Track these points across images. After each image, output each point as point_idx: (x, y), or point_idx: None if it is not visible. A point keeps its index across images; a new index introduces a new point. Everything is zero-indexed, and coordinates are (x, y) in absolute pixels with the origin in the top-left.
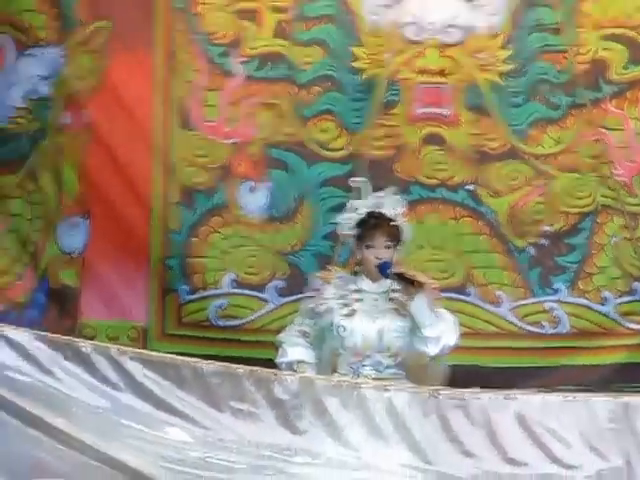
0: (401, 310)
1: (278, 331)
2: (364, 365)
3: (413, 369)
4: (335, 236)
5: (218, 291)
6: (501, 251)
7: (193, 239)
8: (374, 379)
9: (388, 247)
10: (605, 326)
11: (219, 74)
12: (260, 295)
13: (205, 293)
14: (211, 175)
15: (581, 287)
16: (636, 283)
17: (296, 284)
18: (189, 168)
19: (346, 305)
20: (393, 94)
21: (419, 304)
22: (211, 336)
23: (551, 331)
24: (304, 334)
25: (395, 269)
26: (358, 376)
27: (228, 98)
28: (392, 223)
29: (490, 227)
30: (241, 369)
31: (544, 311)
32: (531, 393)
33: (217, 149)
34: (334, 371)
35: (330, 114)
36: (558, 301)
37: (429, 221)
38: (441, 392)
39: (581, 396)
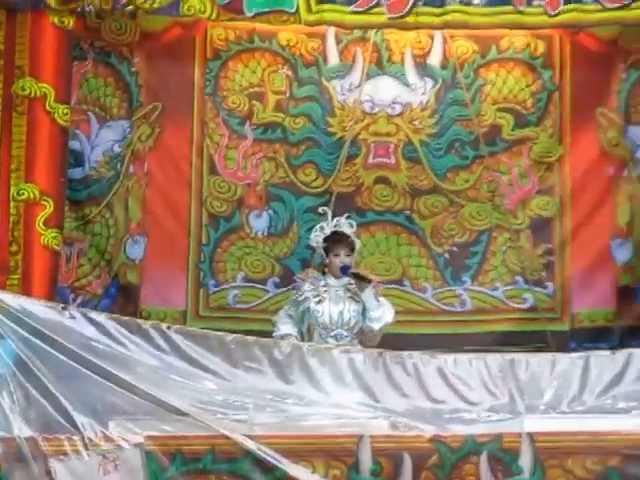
0: (355, 298)
1: (275, 312)
2: (330, 336)
3: (363, 338)
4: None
5: (234, 284)
6: (427, 256)
7: (218, 249)
8: (337, 346)
9: (348, 255)
10: (496, 305)
11: (236, 137)
12: (263, 287)
13: (226, 286)
14: (230, 206)
15: (480, 279)
16: (517, 277)
17: (287, 280)
18: (215, 201)
19: (318, 295)
20: (355, 149)
21: (368, 294)
22: (230, 316)
23: (460, 309)
24: (290, 316)
25: (353, 270)
26: (326, 343)
27: (242, 153)
28: (349, 239)
29: (420, 240)
30: (251, 338)
31: (455, 296)
32: (447, 353)
33: (234, 188)
34: (310, 341)
35: (312, 163)
36: (465, 289)
37: (378, 235)
38: (386, 353)
39: (480, 354)
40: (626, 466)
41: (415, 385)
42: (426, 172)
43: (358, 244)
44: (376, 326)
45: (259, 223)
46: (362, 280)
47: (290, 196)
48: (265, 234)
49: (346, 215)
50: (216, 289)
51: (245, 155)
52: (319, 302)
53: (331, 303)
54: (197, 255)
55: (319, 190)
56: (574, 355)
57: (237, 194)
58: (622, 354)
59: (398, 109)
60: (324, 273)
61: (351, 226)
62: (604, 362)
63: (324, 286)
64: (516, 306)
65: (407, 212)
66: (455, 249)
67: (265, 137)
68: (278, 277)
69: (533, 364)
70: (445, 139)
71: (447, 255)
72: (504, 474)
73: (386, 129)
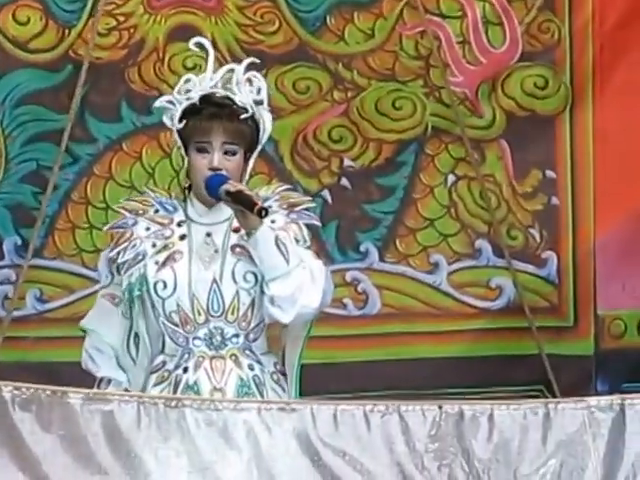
0: (250, 250)
1: None
2: (196, 338)
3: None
4: (44, 181)
5: None
6: None
7: None
8: (212, 358)
9: (233, 153)
10: (434, 303)
11: None
12: None
13: None
14: None
15: (400, 248)
16: (480, 241)
17: None
18: None
19: (165, 247)
20: None
21: (262, 236)
22: None
23: (357, 312)
24: (112, 300)
25: (230, 185)
26: (189, 356)
27: None
28: (243, 116)
29: (269, 163)
30: None
31: (346, 284)
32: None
33: None
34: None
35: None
36: (366, 269)
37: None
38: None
39: (394, 406)
40: None
41: None
42: (282, 16)
43: (268, 128)
44: (283, 316)
45: None
46: (251, 209)
47: None
48: None
49: (247, 62)
50: None
51: None
52: (167, 262)
53: (195, 263)
54: None
55: (49, 56)
56: (603, 400)
57: None
58: None
59: None
60: (185, 198)
61: (251, 83)
62: None
63: (180, 224)
64: (476, 303)
65: None
66: (345, 182)
67: None
68: None
69: (505, 424)
70: None
71: (328, 196)
72: None
73: None
